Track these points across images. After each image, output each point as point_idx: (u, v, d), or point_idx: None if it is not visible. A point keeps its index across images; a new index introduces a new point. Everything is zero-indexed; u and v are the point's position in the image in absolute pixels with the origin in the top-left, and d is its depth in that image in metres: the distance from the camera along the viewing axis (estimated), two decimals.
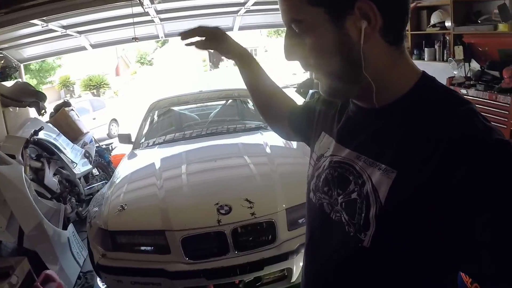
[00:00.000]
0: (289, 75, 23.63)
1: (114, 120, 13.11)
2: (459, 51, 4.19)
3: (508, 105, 3.47)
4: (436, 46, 4.76)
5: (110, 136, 12.05)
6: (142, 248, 2.68)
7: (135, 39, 5.62)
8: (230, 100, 5.28)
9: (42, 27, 4.75)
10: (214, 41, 1.24)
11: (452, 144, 0.64)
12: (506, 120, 3.50)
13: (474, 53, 4.17)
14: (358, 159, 0.78)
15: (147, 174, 3.45)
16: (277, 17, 7.36)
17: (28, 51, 6.71)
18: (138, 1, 4.23)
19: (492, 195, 0.59)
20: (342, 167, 0.82)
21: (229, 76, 21.26)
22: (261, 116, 1.35)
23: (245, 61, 1.27)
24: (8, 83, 4.90)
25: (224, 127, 4.40)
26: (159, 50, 38.58)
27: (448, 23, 4.37)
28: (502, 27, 3.64)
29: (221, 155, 3.66)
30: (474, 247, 0.61)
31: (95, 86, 29.30)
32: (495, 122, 3.58)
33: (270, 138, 3.66)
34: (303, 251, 1.02)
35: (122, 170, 3.70)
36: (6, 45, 5.84)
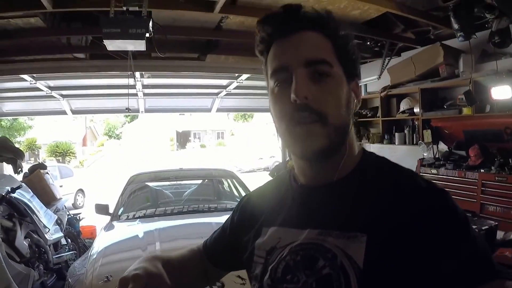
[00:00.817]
0: (255, 159, 24.11)
1: (81, 190, 12.75)
2: (427, 134, 4.51)
3: (476, 181, 3.74)
4: (405, 131, 5.07)
5: (75, 206, 11.62)
6: None
7: (128, 109, 5.71)
8: (206, 180, 5.35)
9: (30, 83, 4.72)
10: None
11: (410, 200, 0.75)
12: (475, 194, 3.74)
13: (441, 136, 4.51)
14: (321, 235, 0.79)
15: (132, 246, 3.34)
16: (254, 101, 7.69)
17: (7, 106, 6.62)
18: (130, 74, 4.37)
19: (448, 232, 0.72)
20: (305, 249, 0.80)
21: (195, 157, 21.39)
22: None
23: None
24: None
25: (202, 205, 4.41)
26: (128, 125, 38.74)
27: (416, 109, 4.73)
28: (466, 110, 4.00)
29: (202, 234, 3.61)
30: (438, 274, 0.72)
31: (61, 153, 28.74)
32: (465, 197, 3.85)
33: None
34: None
35: (103, 240, 3.56)
36: None
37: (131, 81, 4.74)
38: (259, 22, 0.86)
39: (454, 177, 4.00)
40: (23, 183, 4.59)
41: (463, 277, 0.71)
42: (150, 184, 5.04)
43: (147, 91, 6.07)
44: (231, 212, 1.09)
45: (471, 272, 0.71)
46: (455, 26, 3.61)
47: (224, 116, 34.98)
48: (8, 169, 4.84)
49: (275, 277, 0.82)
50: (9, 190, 4.08)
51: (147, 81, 5.45)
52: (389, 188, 0.79)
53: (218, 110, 7.64)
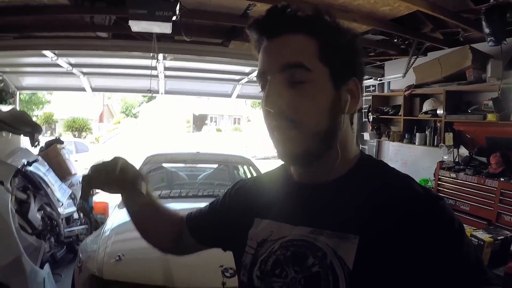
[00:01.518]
0: (270, 147, 24.06)
1: None
2: (449, 137, 4.41)
3: (495, 189, 3.64)
4: (427, 132, 4.98)
5: None
6: None
7: (149, 90, 5.73)
8: (222, 165, 5.32)
9: (52, 59, 4.72)
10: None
11: (404, 206, 0.75)
12: (493, 202, 3.65)
13: (463, 140, 4.40)
14: (314, 233, 0.79)
15: None
16: None
17: (28, 80, 6.66)
18: (153, 55, 4.36)
19: (439, 241, 0.72)
20: (295, 245, 0.81)
21: (211, 140, 21.50)
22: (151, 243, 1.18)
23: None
24: (3, 108, 4.80)
25: (218, 190, 4.32)
26: (145, 105, 38.97)
27: (440, 111, 4.63)
28: (490, 117, 3.90)
29: None
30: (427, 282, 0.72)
31: (78, 128, 29.12)
32: (482, 205, 3.78)
33: None
34: None
35: (117, 218, 3.57)
36: (8, 69, 5.78)
37: (153, 63, 4.72)
38: (247, 29, 0.85)
39: (473, 183, 3.92)
40: (39, 157, 4.63)
41: (453, 285, 0.71)
42: (166, 165, 5.05)
43: (168, 73, 6.06)
44: None
45: (462, 280, 0.71)
46: (486, 30, 3.50)
47: (242, 102, 34.92)
48: (25, 142, 4.84)
49: (265, 269, 0.84)
50: (26, 163, 4.14)
51: (169, 63, 5.43)
52: (385, 191, 0.78)
53: (238, 96, 7.64)
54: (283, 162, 0.91)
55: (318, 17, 0.81)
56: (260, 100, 0.85)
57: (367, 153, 0.93)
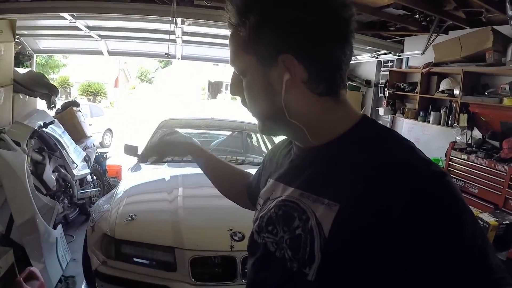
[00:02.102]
0: None
1: (109, 130, 13.07)
2: (463, 118, 4.36)
3: (505, 174, 3.62)
4: (442, 111, 4.92)
5: (102, 145, 11.96)
6: (147, 261, 2.60)
7: (167, 54, 5.71)
8: (236, 132, 5.33)
9: (70, 22, 4.68)
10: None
11: (391, 179, 0.68)
12: (502, 187, 3.64)
13: (477, 122, 4.35)
14: (302, 196, 0.80)
15: (158, 188, 3.43)
16: None
17: (45, 43, 6.64)
18: (172, 19, 4.32)
19: (429, 229, 0.64)
20: (286, 205, 0.83)
21: (225, 108, 21.49)
22: (226, 196, 1.37)
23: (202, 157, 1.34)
24: (20, 70, 4.83)
25: (230, 157, 4.40)
26: (161, 71, 38.96)
27: (456, 91, 4.55)
28: (507, 101, 3.83)
29: None
30: (414, 279, 0.65)
31: (93, 93, 29.25)
32: (491, 188, 3.78)
33: None
34: None
35: (130, 181, 3.65)
36: (25, 32, 5.75)
37: (171, 27, 4.69)
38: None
39: (484, 166, 3.89)
40: (55, 119, 4.70)
41: (450, 286, 0.63)
42: (180, 130, 5.08)
43: (185, 38, 5.99)
44: (258, 166, 1.20)
45: (462, 281, 0.63)
46: (510, 12, 3.40)
47: None
48: (41, 104, 4.91)
49: (261, 225, 0.89)
50: (42, 124, 4.19)
51: (186, 28, 5.36)
52: (379, 161, 0.72)
53: None
54: None
55: (238, 6, 0.79)
56: None
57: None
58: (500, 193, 3.65)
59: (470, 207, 0.67)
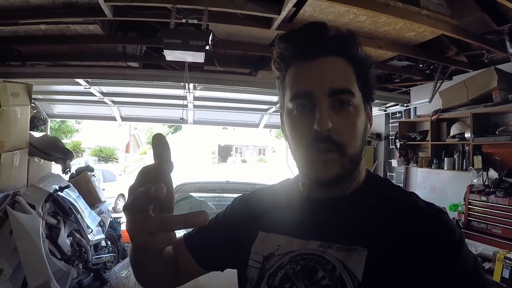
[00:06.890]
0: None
1: (122, 195, 13.10)
2: (478, 160, 4.32)
3: None
4: (455, 156, 4.89)
5: (115, 210, 11.91)
6: None
7: (182, 119, 5.83)
8: None
9: (85, 88, 4.85)
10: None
11: (407, 219, 0.78)
12: None
13: (492, 162, 4.31)
14: (325, 247, 0.81)
15: None
16: None
17: (59, 108, 6.84)
18: (184, 85, 4.45)
19: (445, 257, 0.73)
20: (305, 259, 0.81)
21: (236, 171, 21.52)
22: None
23: None
24: (35, 134, 4.92)
25: None
26: (171, 136, 39.54)
27: (467, 134, 4.55)
28: None
29: None
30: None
31: (105, 158, 29.61)
32: None
33: None
34: None
35: None
36: (40, 97, 5.94)
37: (183, 93, 4.83)
38: (281, 39, 0.86)
39: (504, 205, 3.80)
40: (70, 183, 4.73)
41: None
42: (194, 194, 5.06)
43: (197, 103, 6.16)
44: None
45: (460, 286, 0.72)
46: (510, 50, 3.52)
47: (267, 132, 35.10)
48: (56, 168, 4.96)
49: (273, 284, 0.83)
50: (57, 188, 4.21)
51: (198, 93, 5.51)
52: (390, 205, 0.82)
53: (266, 126, 7.62)
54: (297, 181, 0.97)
55: (353, 41, 0.83)
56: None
57: (393, 180, 0.99)
58: None
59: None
